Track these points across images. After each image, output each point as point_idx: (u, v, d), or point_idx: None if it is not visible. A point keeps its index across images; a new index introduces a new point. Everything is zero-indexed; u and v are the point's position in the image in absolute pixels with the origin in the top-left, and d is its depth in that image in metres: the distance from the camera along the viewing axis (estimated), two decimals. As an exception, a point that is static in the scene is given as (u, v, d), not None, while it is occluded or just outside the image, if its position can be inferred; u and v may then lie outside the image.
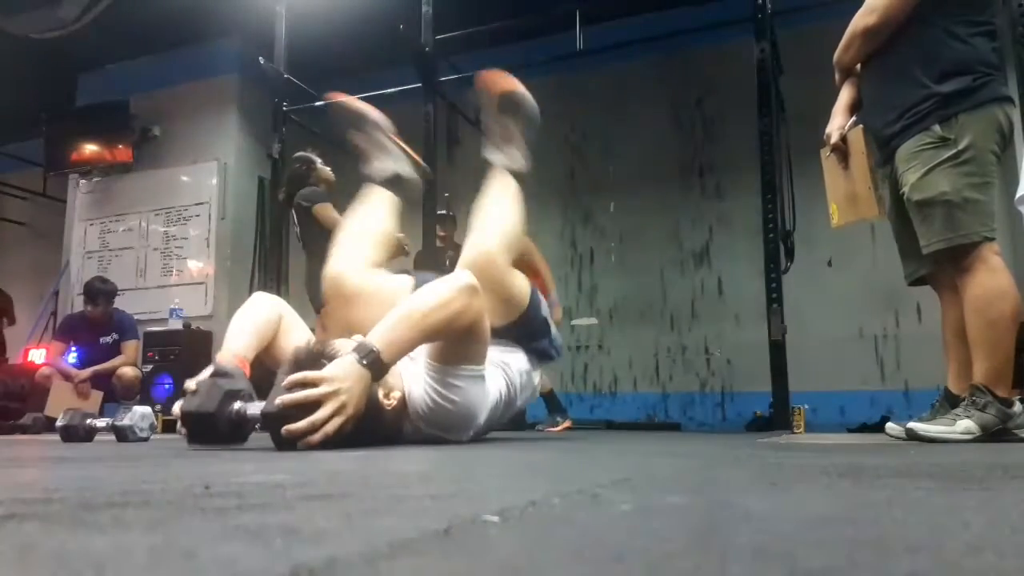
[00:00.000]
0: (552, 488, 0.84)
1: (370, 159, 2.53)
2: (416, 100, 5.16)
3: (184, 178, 6.64)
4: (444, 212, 5.11)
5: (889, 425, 2.38)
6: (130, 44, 6.48)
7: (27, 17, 5.79)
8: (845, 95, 2.53)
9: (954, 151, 2.16)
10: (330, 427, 1.59)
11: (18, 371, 5.67)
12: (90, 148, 6.67)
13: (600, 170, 6.27)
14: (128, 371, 5.09)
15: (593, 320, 6.19)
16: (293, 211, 4.40)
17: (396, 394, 1.87)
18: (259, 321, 2.07)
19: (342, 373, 1.64)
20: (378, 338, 1.71)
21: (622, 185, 6.21)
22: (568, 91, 6.09)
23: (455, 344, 1.88)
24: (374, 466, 1.23)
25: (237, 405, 1.74)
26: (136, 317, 5.58)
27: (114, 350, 5.16)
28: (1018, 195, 2.40)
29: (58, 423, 2.46)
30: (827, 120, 2.56)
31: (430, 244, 5.02)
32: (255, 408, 1.73)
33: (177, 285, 6.49)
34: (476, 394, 1.96)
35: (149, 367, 5.56)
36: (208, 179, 6.52)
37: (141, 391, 5.22)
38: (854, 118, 2.51)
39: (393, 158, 2.54)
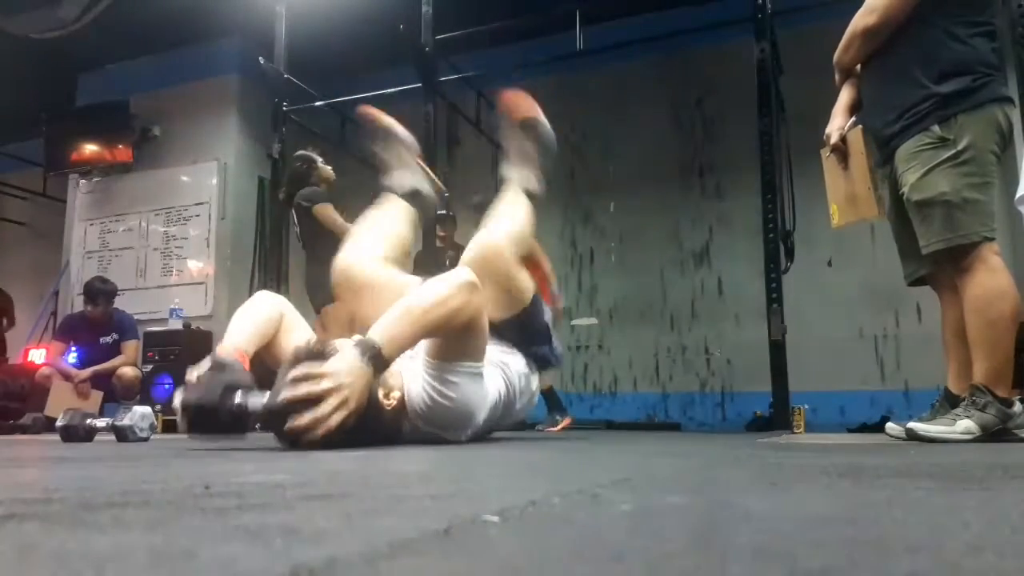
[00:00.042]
0: (552, 488, 0.84)
1: (391, 171, 2.60)
2: (416, 100, 5.16)
3: (184, 178, 6.64)
4: (444, 212, 5.11)
5: (889, 425, 2.38)
6: (130, 44, 6.48)
7: (27, 17, 5.79)
8: (845, 96, 2.53)
9: (953, 151, 2.16)
10: (333, 421, 1.60)
11: (18, 371, 5.67)
12: (90, 148, 6.67)
13: (600, 170, 6.27)
14: (128, 371, 5.09)
15: (593, 320, 6.19)
16: (293, 211, 4.40)
17: (396, 394, 1.88)
18: (260, 318, 2.07)
19: (344, 368, 1.64)
20: (379, 334, 1.73)
21: (622, 185, 6.21)
22: (568, 91, 6.09)
23: (454, 340, 1.89)
24: (374, 466, 1.23)
25: (238, 397, 1.74)
26: (136, 317, 5.58)
27: (114, 350, 5.16)
28: (1018, 195, 2.40)
29: (58, 423, 2.47)
30: (827, 120, 2.56)
31: (430, 244, 5.02)
32: (256, 400, 1.73)
33: (177, 285, 6.49)
34: (474, 391, 1.97)
35: (149, 367, 5.56)
36: (208, 179, 6.51)
37: (141, 391, 5.22)
38: (854, 118, 2.51)
39: (413, 173, 2.61)
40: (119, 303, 5.43)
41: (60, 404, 4.13)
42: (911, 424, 2.19)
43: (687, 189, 6.06)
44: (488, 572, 0.40)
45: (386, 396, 1.84)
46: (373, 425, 1.76)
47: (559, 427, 4.42)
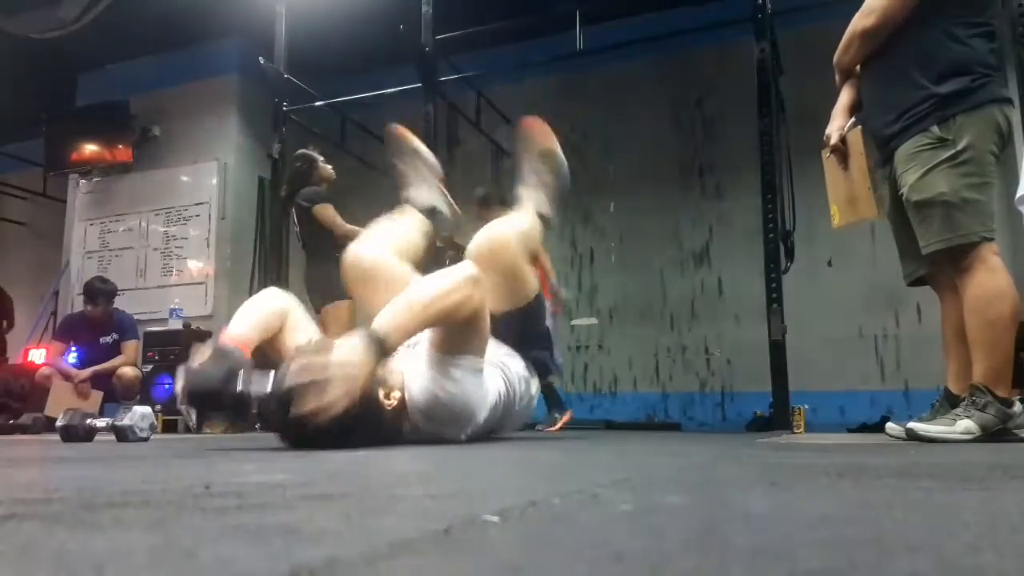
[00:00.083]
0: (552, 488, 0.84)
1: (411, 186, 2.64)
2: (416, 100, 5.16)
3: (184, 178, 6.63)
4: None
5: (889, 425, 2.38)
6: (130, 44, 6.47)
7: (27, 17, 5.79)
8: (845, 96, 2.53)
9: (952, 152, 2.16)
10: (338, 407, 1.60)
11: (18, 371, 5.66)
12: (90, 148, 6.67)
13: (600, 170, 6.26)
14: (128, 371, 5.08)
15: (593, 320, 6.19)
16: (293, 211, 4.40)
17: (396, 394, 1.89)
18: (266, 311, 2.09)
19: (349, 356, 1.66)
20: (382, 324, 1.75)
21: (622, 185, 6.21)
22: (568, 91, 6.09)
23: (456, 334, 1.91)
24: (374, 466, 1.23)
25: (241, 383, 1.75)
26: (136, 317, 5.58)
27: (114, 350, 5.16)
28: (1018, 195, 2.40)
29: (58, 423, 2.47)
30: (827, 120, 2.56)
31: (430, 245, 5.02)
32: (259, 386, 1.73)
33: (177, 285, 6.49)
34: (474, 388, 1.98)
35: (149, 367, 5.55)
36: (208, 179, 6.51)
37: (141, 391, 5.22)
38: (853, 119, 2.51)
39: (432, 191, 2.65)
40: (119, 303, 5.43)
41: (60, 404, 4.13)
42: (911, 424, 2.19)
43: (687, 189, 6.06)
44: (488, 572, 0.40)
45: (387, 396, 1.84)
46: (373, 425, 1.77)
47: (558, 425, 4.42)
